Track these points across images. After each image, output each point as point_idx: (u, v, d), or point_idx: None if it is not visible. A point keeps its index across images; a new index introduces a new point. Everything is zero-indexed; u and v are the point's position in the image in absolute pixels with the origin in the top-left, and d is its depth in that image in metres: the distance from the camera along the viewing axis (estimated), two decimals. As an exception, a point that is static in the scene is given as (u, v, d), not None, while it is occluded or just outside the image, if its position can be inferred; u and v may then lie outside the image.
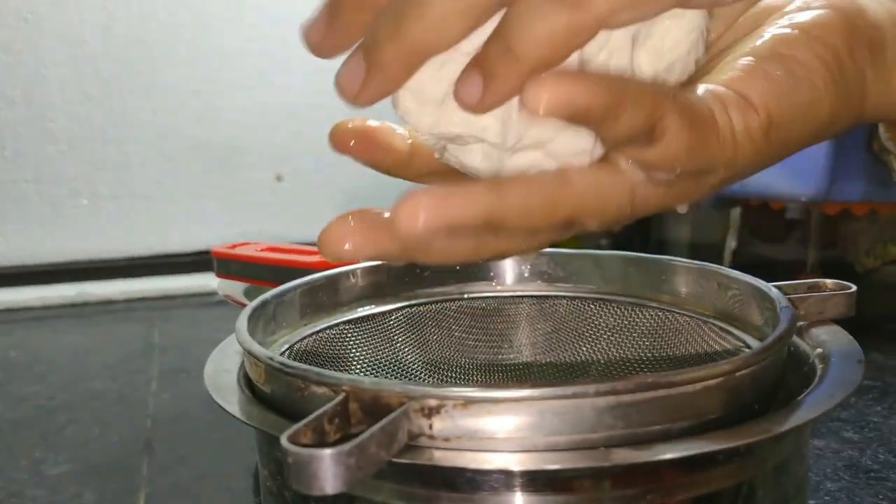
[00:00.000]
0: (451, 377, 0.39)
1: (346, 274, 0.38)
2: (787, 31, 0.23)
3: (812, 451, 0.53)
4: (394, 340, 0.39)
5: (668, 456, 0.21)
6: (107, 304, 0.94)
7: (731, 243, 0.93)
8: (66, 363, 0.73)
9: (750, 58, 0.22)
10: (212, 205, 1.02)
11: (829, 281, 0.32)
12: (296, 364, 0.24)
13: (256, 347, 0.26)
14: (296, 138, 1.05)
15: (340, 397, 0.22)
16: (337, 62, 0.85)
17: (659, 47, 0.21)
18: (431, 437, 0.22)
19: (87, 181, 0.98)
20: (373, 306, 0.39)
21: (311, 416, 0.21)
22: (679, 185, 0.22)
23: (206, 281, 0.98)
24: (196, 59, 0.99)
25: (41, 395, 0.65)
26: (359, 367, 0.37)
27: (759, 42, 0.23)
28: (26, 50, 0.94)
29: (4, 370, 0.71)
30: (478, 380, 0.39)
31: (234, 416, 0.25)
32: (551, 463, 0.21)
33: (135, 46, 0.97)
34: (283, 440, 0.19)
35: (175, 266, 0.99)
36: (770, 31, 0.24)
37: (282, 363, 0.25)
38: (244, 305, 0.53)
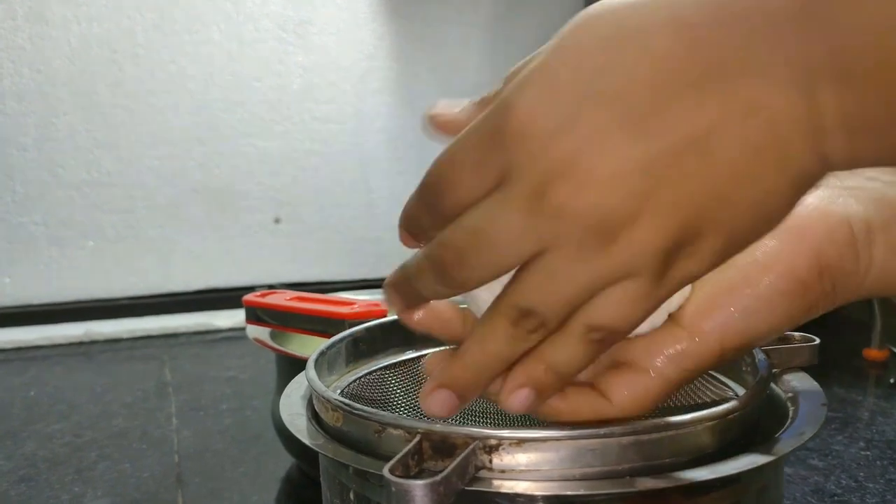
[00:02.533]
0: (473, 415, 0.44)
1: (382, 325, 0.44)
2: (751, 265, 0.25)
3: (783, 477, 0.60)
4: (423, 382, 0.44)
5: (680, 483, 0.26)
6: (113, 343, 0.98)
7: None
8: (86, 402, 0.77)
9: (710, 297, 0.26)
10: (213, 246, 1.07)
11: (796, 334, 0.39)
12: (375, 410, 0.30)
13: (334, 396, 0.32)
14: (294, 183, 1.10)
15: (417, 439, 0.27)
16: (331, 107, 0.92)
17: None
18: (491, 469, 0.27)
19: (93, 224, 1.02)
20: (404, 353, 0.44)
21: (400, 454, 0.26)
22: None
23: (208, 319, 1.03)
24: (200, 108, 1.05)
25: (68, 432, 0.69)
26: (397, 407, 0.42)
27: (725, 273, 0.25)
28: (38, 100, 0.99)
29: (29, 409, 0.75)
30: (496, 416, 0.45)
31: (331, 458, 0.30)
32: (587, 489, 0.27)
33: (142, 96, 1.02)
34: (386, 473, 0.25)
35: (178, 305, 1.04)
36: (736, 262, 0.25)
37: (362, 409, 0.30)
38: (272, 349, 0.59)
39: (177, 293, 1.05)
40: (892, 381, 0.84)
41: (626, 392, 0.27)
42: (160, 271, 1.05)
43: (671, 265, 0.23)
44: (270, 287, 1.08)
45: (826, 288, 0.26)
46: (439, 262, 0.25)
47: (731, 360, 0.27)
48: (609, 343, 0.25)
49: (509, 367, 0.26)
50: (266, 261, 1.10)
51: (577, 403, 0.27)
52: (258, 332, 0.58)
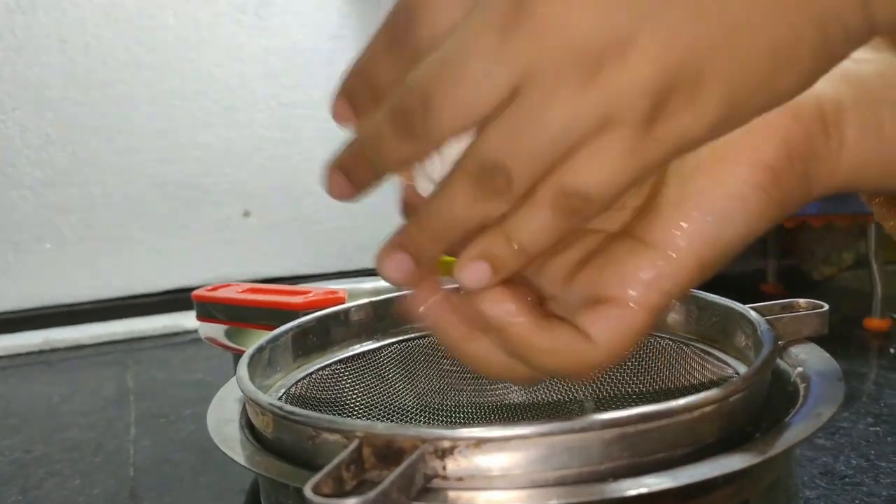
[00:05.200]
0: (443, 411, 0.40)
1: (336, 314, 0.39)
2: (714, 163, 0.22)
3: (797, 465, 0.55)
4: (385, 377, 0.39)
5: (675, 485, 0.22)
6: (75, 350, 0.92)
7: (695, 259, 0.95)
8: (39, 413, 0.71)
9: (677, 207, 0.22)
10: (179, 244, 1.02)
11: (801, 301, 0.34)
12: (307, 412, 0.25)
13: (263, 397, 0.27)
14: (262, 173, 1.05)
15: (355, 444, 0.23)
16: (297, 92, 0.85)
17: None
18: (445, 477, 0.22)
19: (50, 225, 0.96)
20: (363, 344, 0.39)
21: (330, 466, 0.21)
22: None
23: (177, 321, 0.97)
24: (158, 98, 0.99)
25: (17, 447, 0.64)
26: (354, 406, 0.37)
27: (690, 179, 0.22)
28: (-17, 96, 0.93)
29: (-24, 424, 0.70)
30: (469, 412, 0.40)
31: (251, 470, 0.25)
32: (563, 498, 0.22)
33: (95, 88, 0.96)
34: (308, 492, 0.20)
35: (144, 307, 0.98)
36: (700, 165, 0.22)
37: (291, 412, 0.25)
38: (226, 347, 0.53)
39: (142, 295, 0.99)
40: (892, 350, 0.80)
41: (605, 327, 0.22)
42: (124, 273, 0.99)
43: (662, 112, 0.19)
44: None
45: (798, 172, 0.23)
46: (401, 109, 0.21)
47: (710, 274, 0.23)
48: (583, 216, 0.21)
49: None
50: (237, 257, 1.05)
51: (556, 337, 0.22)
52: (211, 329, 0.53)
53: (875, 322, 0.85)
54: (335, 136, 0.96)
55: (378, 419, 0.37)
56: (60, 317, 0.95)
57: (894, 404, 0.65)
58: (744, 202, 0.22)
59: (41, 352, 0.92)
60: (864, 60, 0.24)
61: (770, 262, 1.07)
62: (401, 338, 0.40)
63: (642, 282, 0.22)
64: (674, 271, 0.22)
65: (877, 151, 0.23)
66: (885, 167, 0.23)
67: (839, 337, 0.81)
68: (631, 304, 0.22)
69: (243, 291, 0.51)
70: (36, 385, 0.82)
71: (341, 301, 0.46)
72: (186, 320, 0.97)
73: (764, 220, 0.23)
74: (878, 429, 0.60)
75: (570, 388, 0.39)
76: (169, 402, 0.72)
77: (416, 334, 0.41)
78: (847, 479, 0.52)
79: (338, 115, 0.23)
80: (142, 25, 0.97)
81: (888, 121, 0.23)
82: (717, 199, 0.22)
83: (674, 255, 0.22)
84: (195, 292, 0.53)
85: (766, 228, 0.23)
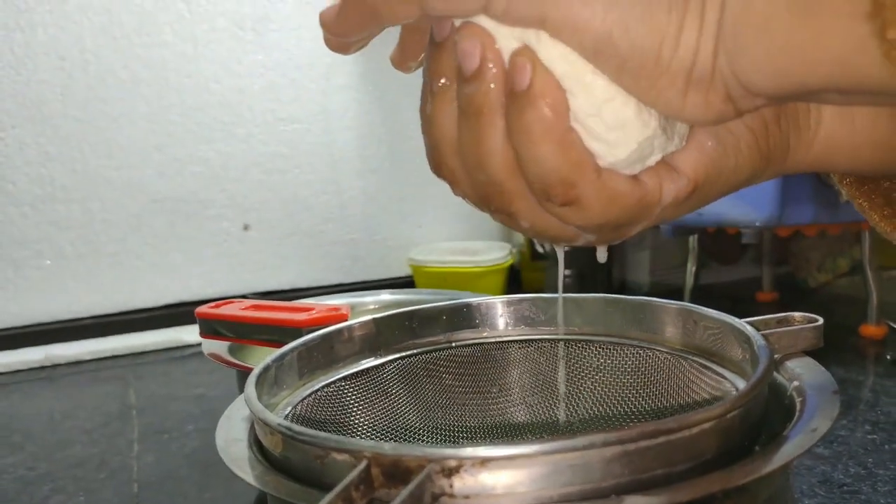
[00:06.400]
0: (446, 426, 0.40)
1: (340, 331, 0.39)
2: None
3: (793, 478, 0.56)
4: (389, 392, 0.40)
5: (676, 500, 0.22)
6: (77, 366, 0.92)
7: (691, 268, 0.96)
8: (43, 430, 0.72)
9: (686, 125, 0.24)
10: (179, 258, 1.02)
11: (797, 314, 0.35)
12: (316, 433, 0.25)
13: (272, 418, 0.27)
14: (261, 187, 1.05)
15: (364, 464, 0.23)
16: (295, 106, 0.87)
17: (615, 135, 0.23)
18: (452, 496, 0.23)
19: (50, 241, 0.97)
20: (367, 360, 0.40)
21: (340, 486, 0.22)
22: (602, 234, 0.25)
23: (177, 335, 0.98)
24: (156, 114, 1.00)
25: (21, 465, 0.64)
26: (359, 424, 0.38)
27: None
28: (-17, 113, 0.94)
29: (-21, 442, 0.70)
30: (473, 427, 0.40)
31: (262, 490, 0.26)
32: (567, 513, 0.22)
33: (94, 104, 0.97)
34: (320, 513, 0.20)
35: (144, 322, 0.99)
36: None
37: (300, 433, 0.26)
38: (230, 364, 0.54)
39: (143, 309, 1.00)
40: (888, 357, 0.81)
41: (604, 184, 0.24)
42: (124, 288, 1.00)
43: None
44: (244, 298, 1.04)
45: (782, 134, 0.25)
46: None
47: (700, 197, 0.25)
48: None
49: None
50: (236, 270, 1.05)
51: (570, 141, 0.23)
52: (214, 346, 0.54)
53: (871, 329, 0.85)
54: (333, 150, 0.98)
55: (383, 436, 0.38)
56: (61, 332, 0.95)
57: (891, 412, 0.66)
58: (737, 139, 0.24)
59: (42, 368, 0.92)
60: None
61: (765, 270, 1.08)
62: (403, 353, 0.41)
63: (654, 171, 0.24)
64: (676, 186, 0.24)
65: (848, 137, 0.26)
66: (853, 152, 0.26)
67: (835, 345, 0.82)
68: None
69: (246, 308, 0.52)
70: (38, 401, 0.82)
71: (344, 318, 0.47)
72: (187, 334, 0.97)
73: (749, 166, 0.25)
74: (875, 437, 0.61)
75: (570, 392, 0.40)
76: (171, 417, 0.73)
77: (418, 350, 0.41)
78: (846, 488, 0.53)
79: None
80: (140, 42, 0.98)
81: (858, 115, 0.25)
82: (720, 127, 0.24)
83: (677, 167, 0.24)
84: (199, 309, 0.53)
85: (749, 176, 0.25)
